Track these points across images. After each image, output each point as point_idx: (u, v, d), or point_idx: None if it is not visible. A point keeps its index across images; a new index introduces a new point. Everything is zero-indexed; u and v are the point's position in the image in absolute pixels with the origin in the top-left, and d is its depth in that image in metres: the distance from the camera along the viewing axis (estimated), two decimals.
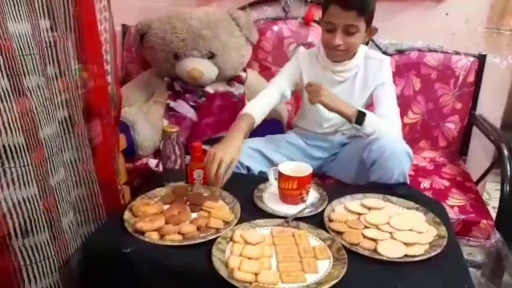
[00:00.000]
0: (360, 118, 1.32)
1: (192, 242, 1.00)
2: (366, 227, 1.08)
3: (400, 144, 1.28)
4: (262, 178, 1.30)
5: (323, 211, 1.15)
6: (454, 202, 1.49)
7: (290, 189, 1.16)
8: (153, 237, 1.02)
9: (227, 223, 1.08)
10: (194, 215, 1.13)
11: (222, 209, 1.14)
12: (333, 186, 1.47)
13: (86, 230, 1.19)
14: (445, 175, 1.68)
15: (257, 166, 1.44)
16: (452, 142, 1.91)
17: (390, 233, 1.04)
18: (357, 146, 1.43)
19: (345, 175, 1.53)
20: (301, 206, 1.17)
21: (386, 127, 1.35)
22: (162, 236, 1.02)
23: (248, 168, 1.43)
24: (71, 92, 1.11)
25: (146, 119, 1.72)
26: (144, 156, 1.70)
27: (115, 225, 1.08)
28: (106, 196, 1.33)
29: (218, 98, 1.77)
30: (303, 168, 1.21)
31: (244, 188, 1.26)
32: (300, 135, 1.60)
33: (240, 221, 1.09)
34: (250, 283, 0.87)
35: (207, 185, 1.24)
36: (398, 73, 1.86)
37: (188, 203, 1.18)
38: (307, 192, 1.19)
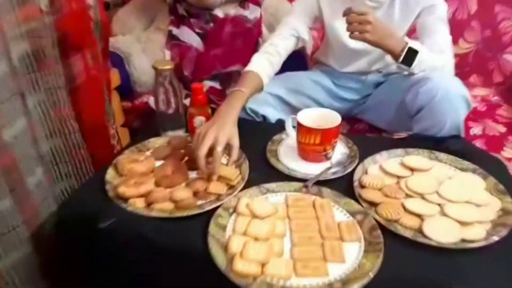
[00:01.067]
0: (409, 56, 1.03)
1: (185, 214, 0.80)
2: (407, 195, 0.85)
3: (456, 85, 0.99)
4: (279, 126, 1.05)
5: (352, 171, 0.91)
6: None
7: (312, 144, 0.92)
8: (138, 205, 0.82)
9: (231, 187, 0.87)
10: (193, 174, 0.92)
11: (226, 168, 0.92)
12: (366, 138, 1.21)
13: (64, 187, 1.01)
14: (500, 118, 1.41)
15: (274, 113, 1.20)
16: (509, 77, 1.59)
17: (440, 205, 0.81)
18: (397, 86, 1.16)
19: (379, 119, 1.28)
20: (324, 165, 0.94)
21: (439, 64, 1.06)
22: (149, 204, 0.82)
23: (264, 117, 1.18)
24: (36, 19, 0.87)
25: (145, 50, 1.46)
26: (144, 93, 1.47)
27: (95, 186, 0.89)
28: (95, 144, 1.14)
29: (228, 23, 1.48)
30: (329, 116, 0.96)
31: (256, 139, 1.03)
32: (326, 73, 1.33)
33: (248, 184, 0.88)
34: (255, 278, 0.66)
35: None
36: None
37: (186, 158, 0.96)
38: (333, 148, 0.95)
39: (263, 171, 0.93)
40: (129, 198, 0.83)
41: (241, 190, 0.86)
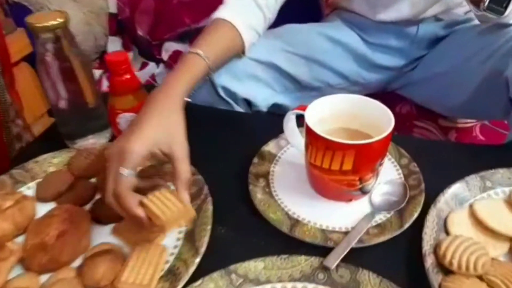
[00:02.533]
0: None
1: None
2: None
3: None
4: (275, 120, 0.58)
5: (416, 223, 0.46)
6: None
7: (337, 171, 0.46)
8: None
9: (173, 274, 0.42)
10: (103, 233, 0.47)
11: (173, 217, 0.47)
12: (429, 144, 0.67)
13: None
14: None
15: (266, 95, 0.73)
16: None
17: None
18: (478, 47, 0.69)
19: (437, 100, 0.81)
20: (358, 207, 0.49)
21: None
22: None
23: (248, 103, 0.72)
24: None
25: None
26: None
27: None
28: None
29: None
30: (368, 111, 0.49)
31: (231, 149, 0.58)
32: (351, 24, 0.83)
33: (208, 260, 0.43)
34: None
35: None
36: None
37: (96, 197, 0.52)
38: (377, 174, 0.49)
39: (240, 225, 0.49)
40: None
41: (192, 278, 0.41)
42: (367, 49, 0.83)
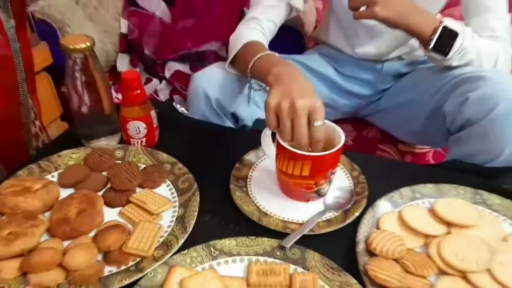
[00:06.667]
0: (445, 40, 0.71)
1: None
2: (441, 270, 0.53)
3: None
4: (258, 135, 0.71)
5: (357, 220, 0.60)
6: None
7: (298, 176, 0.60)
8: (7, 274, 0.51)
9: (166, 245, 0.55)
10: (112, 213, 0.60)
11: (165, 204, 0.61)
12: (379, 162, 0.82)
13: None
14: None
15: (253, 111, 0.87)
16: None
17: None
18: (429, 83, 0.83)
19: (397, 127, 0.96)
20: (315, 206, 0.62)
21: (493, 55, 0.74)
22: (25, 273, 0.51)
23: (235, 117, 0.86)
24: None
25: (93, 18, 1.12)
26: None
27: None
28: (3, 151, 0.84)
29: None
30: (328, 132, 0.63)
31: (218, 156, 0.72)
32: (327, 57, 0.99)
33: (193, 238, 0.56)
34: None
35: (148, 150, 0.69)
36: None
37: (108, 186, 0.65)
38: (330, 181, 0.63)
39: (220, 214, 0.62)
40: None
41: (180, 249, 0.54)
42: (340, 79, 0.97)
